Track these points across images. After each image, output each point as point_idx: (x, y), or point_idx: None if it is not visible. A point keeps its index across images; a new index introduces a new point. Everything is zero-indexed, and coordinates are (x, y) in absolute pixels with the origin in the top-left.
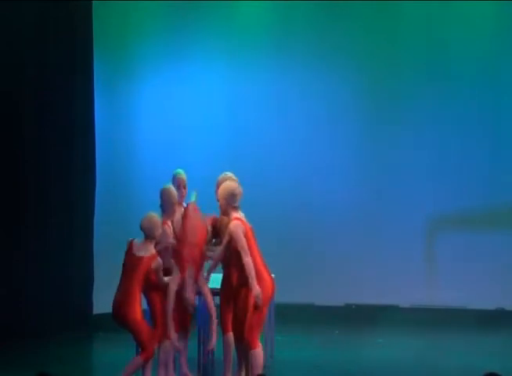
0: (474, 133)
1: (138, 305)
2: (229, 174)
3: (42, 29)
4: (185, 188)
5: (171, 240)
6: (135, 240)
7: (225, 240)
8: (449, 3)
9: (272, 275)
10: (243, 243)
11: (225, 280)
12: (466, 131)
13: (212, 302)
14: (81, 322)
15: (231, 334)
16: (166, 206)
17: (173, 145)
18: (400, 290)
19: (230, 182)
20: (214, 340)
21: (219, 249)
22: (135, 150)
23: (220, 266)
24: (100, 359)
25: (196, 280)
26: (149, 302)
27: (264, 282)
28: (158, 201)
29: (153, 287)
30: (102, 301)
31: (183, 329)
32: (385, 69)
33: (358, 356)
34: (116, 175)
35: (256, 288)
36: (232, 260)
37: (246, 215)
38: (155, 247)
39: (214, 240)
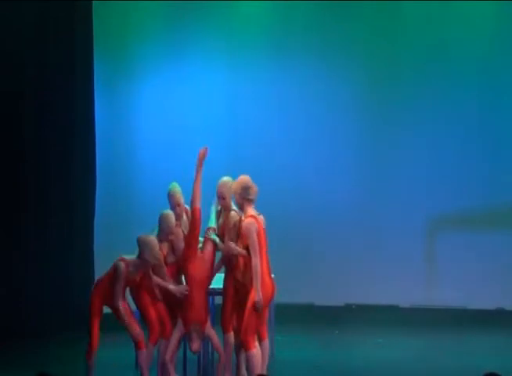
0: (474, 133)
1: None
2: (228, 178)
3: (42, 29)
4: (179, 205)
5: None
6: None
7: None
8: (449, 3)
9: (272, 275)
10: (254, 243)
11: (229, 279)
12: (466, 132)
13: (219, 344)
14: (81, 322)
15: (231, 334)
16: (161, 232)
17: (173, 145)
18: (400, 290)
19: (243, 176)
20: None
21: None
22: (135, 149)
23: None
24: (100, 359)
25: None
26: (139, 305)
27: (264, 285)
28: (157, 201)
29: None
30: None
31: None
32: (385, 69)
33: (358, 356)
34: (116, 175)
35: (259, 292)
36: (238, 258)
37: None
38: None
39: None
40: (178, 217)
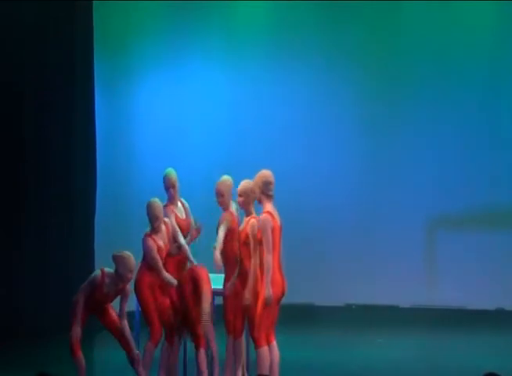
0: (474, 133)
1: None
2: (227, 177)
3: (42, 29)
4: (174, 187)
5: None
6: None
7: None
8: (449, 3)
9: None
10: (268, 239)
11: (228, 280)
12: (467, 132)
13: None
14: None
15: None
16: (150, 221)
17: (173, 145)
18: (400, 290)
19: (264, 170)
20: None
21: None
22: (136, 149)
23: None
24: (100, 359)
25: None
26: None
27: (274, 282)
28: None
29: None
30: None
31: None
32: (386, 69)
33: (358, 356)
34: (116, 175)
35: (269, 289)
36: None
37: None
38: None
39: None
40: (173, 199)
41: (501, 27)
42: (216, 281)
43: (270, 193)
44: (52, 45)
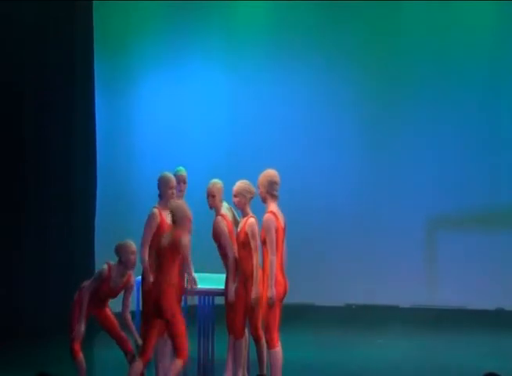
0: (474, 133)
1: None
2: (218, 180)
3: (42, 29)
4: (184, 183)
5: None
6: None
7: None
8: (449, 3)
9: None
10: (272, 239)
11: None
12: (467, 132)
13: None
14: None
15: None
16: (162, 193)
17: (173, 145)
18: (400, 290)
19: (270, 170)
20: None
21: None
22: (136, 149)
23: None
24: (100, 359)
25: None
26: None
27: (277, 283)
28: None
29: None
30: None
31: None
32: (385, 69)
33: (358, 356)
34: (116, 175)
35: (272, 289)
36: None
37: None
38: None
39: None
40: (181, 193)
41: (501, 27)
42: (217, 281)
43: (275, 192)
44: (52, 45)
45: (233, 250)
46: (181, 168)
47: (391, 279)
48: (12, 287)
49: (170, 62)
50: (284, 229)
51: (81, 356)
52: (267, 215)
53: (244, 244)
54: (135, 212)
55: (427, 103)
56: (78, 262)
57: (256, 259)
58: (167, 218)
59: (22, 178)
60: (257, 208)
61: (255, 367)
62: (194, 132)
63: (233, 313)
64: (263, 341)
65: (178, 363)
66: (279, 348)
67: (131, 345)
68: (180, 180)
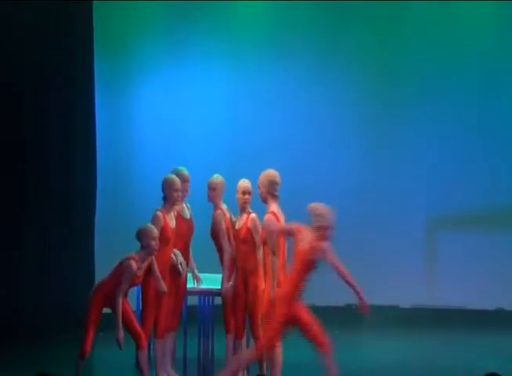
0: (475, 133)
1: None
2: (219, 175)
3: (42, 29)
4: (186, 181)
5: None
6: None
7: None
8: (449, 3)
9: None
10: (273, 240)
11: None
12: (467, 132)
13: None
14: (81, 322)
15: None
16: (167, 196)
17: (173, 145)
18: (400, 290)
19: (271, 170)
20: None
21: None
22: (136, 149)
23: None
24: (100, 359)
25: None
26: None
27: (279, 284)
28: (158, 201)
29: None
30: None
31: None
32: (386, 69)
33: (358, 356)
34: (116, 175)
35: (273, 290)
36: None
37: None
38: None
39: None
40: (185, 193)
41: (501, 27)
42: (217, 281)
43: (275, 193)
44: (52, 45)
45: (230, 247)
46: (182, 167)
47: (391, 279)
48: (12, 287)
49: (170, 62)
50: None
51: (86, 358)
52: (268, 216)
53: (245, 240)
54: (135, 212)
55: (427, 103)
56: (78, 262)
57: (260, 255)
58: (171, 221)
59: (22, 178)
60: (258, 208)
61: (255, 367)
62: (194, 132)
63: (232, 312)
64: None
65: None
66: (279, 349)
67: (141, 332)
68: (183, 180)
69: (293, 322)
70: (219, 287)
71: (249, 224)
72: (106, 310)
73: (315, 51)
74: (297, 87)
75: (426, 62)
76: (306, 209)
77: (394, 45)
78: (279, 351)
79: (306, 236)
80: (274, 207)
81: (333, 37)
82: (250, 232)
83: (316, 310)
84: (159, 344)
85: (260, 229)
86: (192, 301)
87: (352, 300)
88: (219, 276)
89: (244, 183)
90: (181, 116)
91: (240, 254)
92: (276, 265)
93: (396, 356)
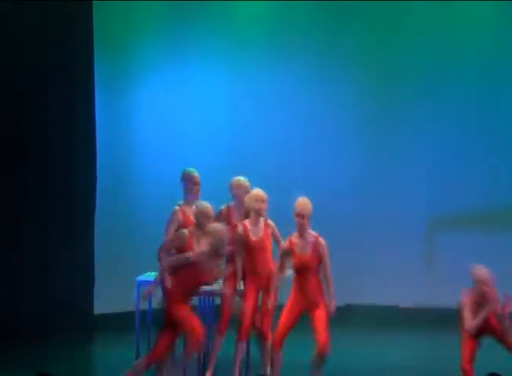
0: (475, 133)
1: None
2: (242, 178)
3: (42, 29)
4: (196, 184)
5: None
6: None
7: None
8: (450, 3)
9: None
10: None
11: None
12: (467, 132)
13: None
14: (81, 322)
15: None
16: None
17: (173, 145)
18: (400, 290)
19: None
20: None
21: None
22: (136, 149)
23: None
24: (100, 359)
25: None
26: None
27: None
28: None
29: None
30: (103, 301)
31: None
32: (385, 69)
33: (358, 356)
34: (116, 175)
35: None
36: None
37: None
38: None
39: None
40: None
41: (501, 27)
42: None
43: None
44: (52, 45)
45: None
46: (192, 168)
47: (391, 279)
48: (12, 287)
49: (170, 62)
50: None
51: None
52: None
53: (267, 247)
54: (135, 212)
55: (427, 103)
56: (78, 262)
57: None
58: (192, 215)
59: (22, 178)
60: None
61: (256, 367)
62: (194, 132)
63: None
64: (269, 341)
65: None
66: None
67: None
68: (191, 182)
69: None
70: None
71: (269, 231)
72: (105, 310)
73: (315, 51)
74: (297, 87)
75: (426, 62)
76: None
77: (394, 45)
78: (280, 352)
79: None
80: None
81: (334, 37)
82: (270, 239)
83: None
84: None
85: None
86: (192, 301)
87: (352, 300)
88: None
89: (261, 192)
90: (181, 116)
91: (262, 261)
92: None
93: (395, 355)
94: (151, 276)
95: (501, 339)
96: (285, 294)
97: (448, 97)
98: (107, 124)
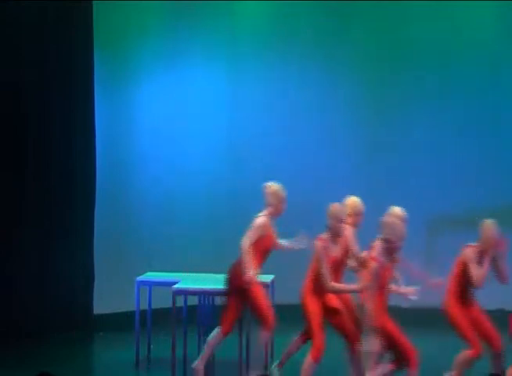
0: (475, 133)
1: None
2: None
3: (42, 29)
4: (357, 215)
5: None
6: None
7: None
8: (450, 4)
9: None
10: None
11: None
12: (467, 131)
13: None
14: (81, 322)
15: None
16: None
17: (173, 145)
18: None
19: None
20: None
21: None
22: (136, 149)
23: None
24: (100, 359)
25: None
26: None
27: None
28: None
29: None
30: (102, 301)
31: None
32: (385, 70)
33: None
34: (116, 175)
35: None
36: None
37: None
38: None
39: None
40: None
41: (502, 26)
42: (218, 281)
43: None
44: (52, 45)
45: None
46: (354, 198)
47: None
48: (11, 287)
49: (170, 62)
50: None
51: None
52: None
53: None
54: (135, 212)
55: (427, 103)
56: (78, 262)
57: None
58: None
59: (22, 178)
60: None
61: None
62: (194, 132)
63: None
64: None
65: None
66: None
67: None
68: (354, 212)
69: None
70: (219, 287)
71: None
72: (106, 310)
73: (315, 51)
74: (297, 87)
75: (426, 62)
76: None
77: (394, 45)
78: None
79: None
80: None
81: (334, 38)
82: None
83: None
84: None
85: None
86: (193, 301)
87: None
88: (219, 276)
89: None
90: (181, 116)
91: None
92: None
93: None
94: (151, 276)
95: None
96: None
97: (448, 97)
98: (107, 124)
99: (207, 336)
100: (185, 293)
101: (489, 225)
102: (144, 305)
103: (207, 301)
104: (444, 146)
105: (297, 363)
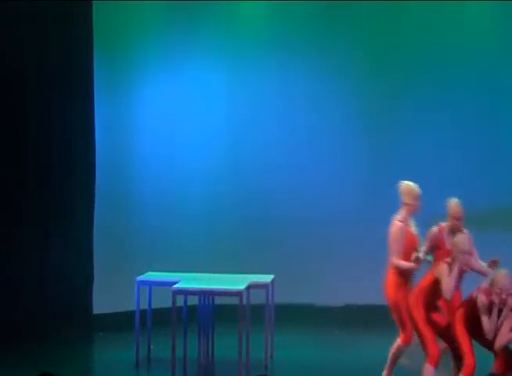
0: (475, 134)
1: None
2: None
3: (42, 29)
4: (458, 220)
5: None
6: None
7: None
8: (449, 3)
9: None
10: None
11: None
12: (467, 132)
13: None
14: (80, 322)
15: None
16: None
17: (173, 145)
18: None
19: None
20: None
21: None
22: (136, 149)
23: None
24: (100, 359)
25: None
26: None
27: None
28: (157, 201)
29: None
30: (102, 301)
31: None
32: (386, 69)
33: (358, 356)
34: (116, 175)
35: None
36: None
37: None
38: None
39: None
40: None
41: (502, 28)
42: (218, 281)
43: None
44: (52, 45)
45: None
46: (455, 199)
47: None
48: (12, 286)
49: (170, 61)
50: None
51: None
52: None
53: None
54: (136, 212)
55: (428, 102)
56: (78, 262)
57: None
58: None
59: (22, 178)
60: None
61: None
62: (194, 132)
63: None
64: None
65: (428, 368)
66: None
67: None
68: (453, 216)
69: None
70: (219, 286)
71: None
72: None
73: (315, 50)
74: (297, 86)
75: (426, 63)
76: None
77: (394, 44)
78: None
79: None
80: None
81: (334, 37)
82: None
83: (316, 310)
84: None
85: None
86: (193, 301)
87: (352, 300)
88: (219, 276)
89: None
90: (181, 116)
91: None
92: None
93: None
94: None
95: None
96: None
97: (448, 97)
98: (107, 124)
99: (207, 336)
100: (185, 293)
101: (503, 275)
102: (144, 305)
103: (207, 301)
104: (445, 146)
105: (294, 363)
